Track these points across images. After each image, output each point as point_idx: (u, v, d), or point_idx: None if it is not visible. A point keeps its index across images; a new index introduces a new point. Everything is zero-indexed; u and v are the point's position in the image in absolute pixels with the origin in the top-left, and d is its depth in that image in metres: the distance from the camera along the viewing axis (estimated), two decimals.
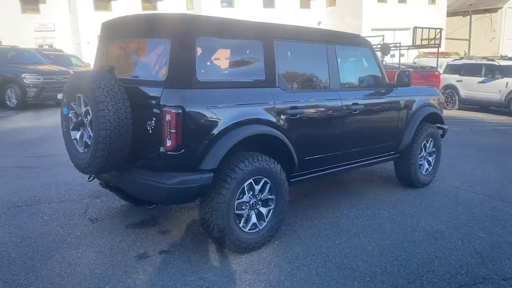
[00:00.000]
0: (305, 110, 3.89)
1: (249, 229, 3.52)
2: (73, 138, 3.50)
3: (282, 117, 3.70)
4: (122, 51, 3.66)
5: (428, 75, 13.29)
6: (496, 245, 3.79)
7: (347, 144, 4.37)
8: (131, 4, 27.91)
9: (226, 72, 3.52)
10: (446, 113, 13.75)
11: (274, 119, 3.62)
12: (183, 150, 3.12)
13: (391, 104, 4.82)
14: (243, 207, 3.48)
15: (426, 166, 5.45)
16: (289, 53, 4.00)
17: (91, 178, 4.00)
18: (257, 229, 3.58)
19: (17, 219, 4.21)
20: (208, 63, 3.38)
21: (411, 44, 14.50)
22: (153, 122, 3.17)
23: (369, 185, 5.52)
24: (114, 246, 3.67)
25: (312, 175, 4.16)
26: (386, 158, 5.02)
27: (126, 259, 3.43)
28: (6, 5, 26.81)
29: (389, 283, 3.14)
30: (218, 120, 3.26)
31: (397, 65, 13.45)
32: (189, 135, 3.13)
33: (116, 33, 3.74)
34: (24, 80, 12.17)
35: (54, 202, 4.72)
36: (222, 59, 3.51)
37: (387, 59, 14.58)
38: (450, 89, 14.28)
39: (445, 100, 14.55)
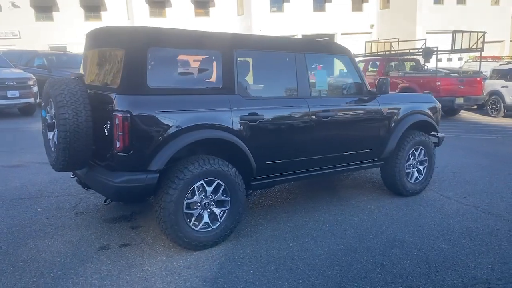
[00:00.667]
0: (266, 117, 4.03)
1: (200, 228, 3.73)
2: (49, 138, 3.91)
3: (240, 122, 3.87)
4: (94, 59, 4.02)
5: (468, 81, 12.71)
6: (452, 256, 3.71)
7: (317, 151, 4.44)
8: (184, 10, 29.04)
9: (180, 79, 3.76)
10: (489, 120, 13.15)
11: (229, 125, 3.80)
12: (132, 152, 3.41)
13: (369, 111, 4.81)
14: (195, 207, 3.70)
15: (416, 174, 5.35)
16: (252, 62, 4.17)
17: (73, 175, 4.42)
18: (210, 228, 3.77)
19: (14, 210, 4.71)
20: (161, 71, 3.63)
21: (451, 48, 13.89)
22: (108, 125, 3.49)
23: (356, 191, 5.51)
24: (84, 237, 4.02)
25: (275, 179, 4.29)
26: (367, 165, 5.01)
27: (88, 250, 3.77)
28: (71, 14, 28.95)
29: (319, 286, 3.22)
30: (167, 125, 3.51)
31: (435, 70, 13.03)
32: (137, 138, 3.41)
33: (92, 42, 4.12)
34: None
35: (53, 196, 5.20)
36: (177, 67, 3.74)
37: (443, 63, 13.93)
38: (495, 95, 13.56)
39: (489, 107, 13.88)
